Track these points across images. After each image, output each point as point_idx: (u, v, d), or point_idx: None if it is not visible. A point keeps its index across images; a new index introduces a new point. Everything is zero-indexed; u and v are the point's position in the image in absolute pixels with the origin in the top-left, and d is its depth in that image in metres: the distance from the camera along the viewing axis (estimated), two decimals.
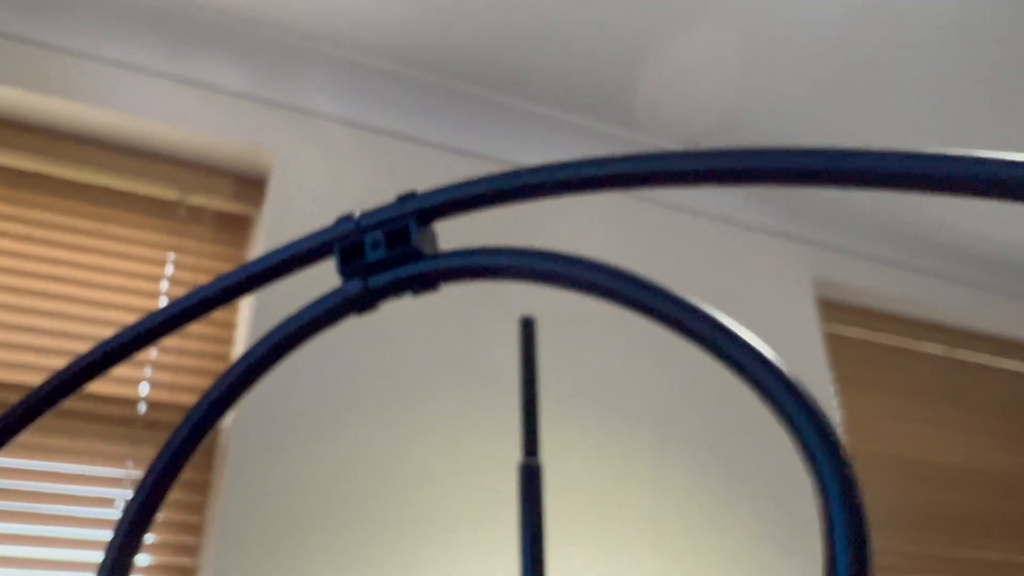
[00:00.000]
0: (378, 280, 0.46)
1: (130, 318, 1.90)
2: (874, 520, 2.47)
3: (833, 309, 2.79)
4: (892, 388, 2.79)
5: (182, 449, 0.49)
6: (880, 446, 2.64)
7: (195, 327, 1.94)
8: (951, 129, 2.46)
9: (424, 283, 0.46)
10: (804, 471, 2.34)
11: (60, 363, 1.81)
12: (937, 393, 2.87)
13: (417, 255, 0.46)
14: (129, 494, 1.76)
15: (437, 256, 0.46)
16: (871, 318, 2.88)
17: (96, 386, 1.82)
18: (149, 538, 1.76)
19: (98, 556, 1.69)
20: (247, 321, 1.91)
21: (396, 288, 0.46)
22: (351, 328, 1.96)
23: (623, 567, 1.97)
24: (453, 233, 2.21)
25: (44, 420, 1.76)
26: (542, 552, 0.50)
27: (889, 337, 2.88)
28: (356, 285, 0.47)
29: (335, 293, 0.47)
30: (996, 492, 2.78)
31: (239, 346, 1.93)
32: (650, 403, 2.21)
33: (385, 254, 0.46)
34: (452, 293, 2.12)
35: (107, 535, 1.72)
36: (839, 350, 2.71)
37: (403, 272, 0.46)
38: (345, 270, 0.47)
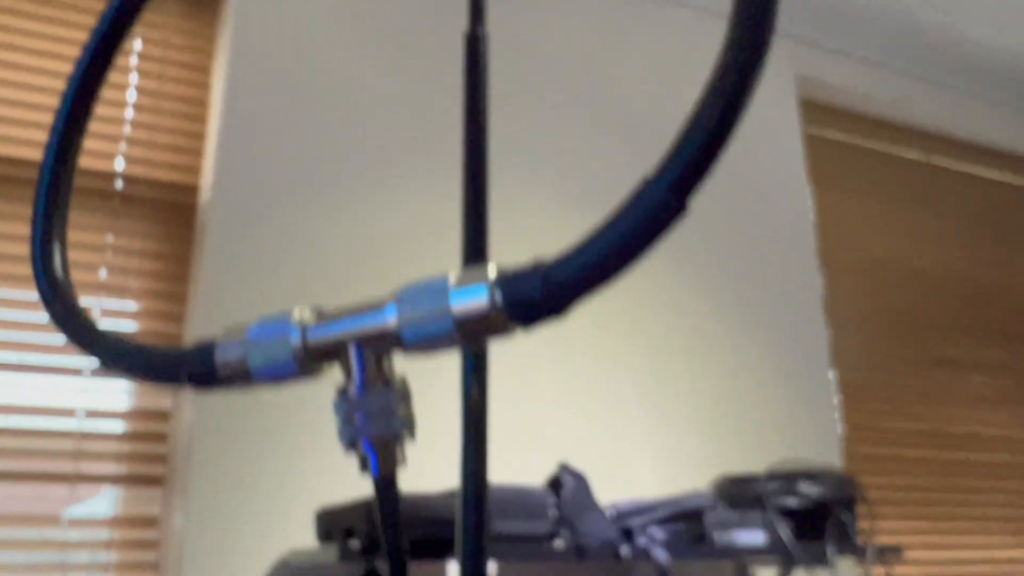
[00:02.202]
0: None
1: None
2: (845, 319, 2.57)
3: (815, 110, 2.77)
4: (868, 192, 2.83)
5: None
6: (853, 249, 2.71)
7: (168, 104, 1.92)
8: None
9: None
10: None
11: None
12: (912, 198, 2.91)
13: None
14: (110, 264, 1.81)
15: None
16: (852, 120, 2.87)
17: None
18: (132, 305, 1.82)
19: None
20: (220, 99, 1.89)
21: None
22: (324, 111, 1.95)
23: (630, 385, 2.07)
24: None
25: (24, 191, 1.78)
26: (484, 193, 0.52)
27: (868, 140, 2.88)
28: None
29: None
30: (963, 295, 2.88)
31: (213, 123, 1.91)
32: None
33: None
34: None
35: (89, 302, 1.78)
36: (818, 151, 2.72)
37: None
38: None
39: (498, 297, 0.36)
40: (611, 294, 2.06)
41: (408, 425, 0.40)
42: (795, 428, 2.29)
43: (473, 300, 0.36)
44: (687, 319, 2.23)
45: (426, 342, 0.38)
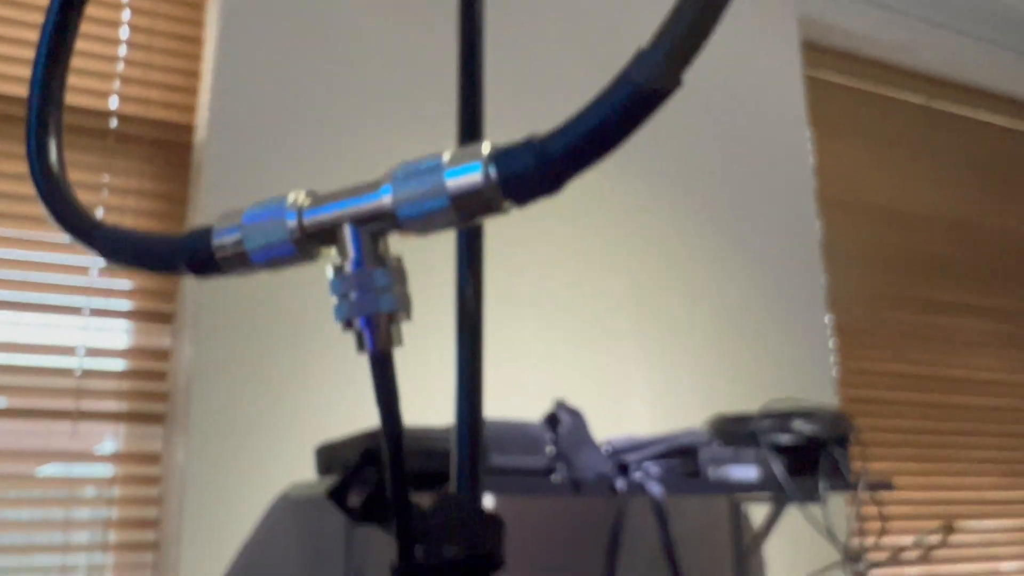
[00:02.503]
0: None
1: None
2: (842, 263, 2.58)
3: (816, 52, 2.74)
4: (868, 136, 2.81)
5: None
6: (852, 193, 2.70)
7: (161, 42, 1.90)
8: None
9: None
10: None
11: None
12: (913, 143, 2.90)
13: None
14: (107, 204, 1.81)
15: None
16: (854, 63, 2.84)
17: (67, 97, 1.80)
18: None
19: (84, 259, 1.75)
20: (214, 37, 1.86)
21: None
22: (320, 47, 1.92)
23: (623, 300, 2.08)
24: None
25: (21, 130, 1.77)
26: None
27: (870, 83, 2.86)
28: None
29: None
30: (962, 240, 2.89)
31: (207, 61, 1.89)
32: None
33: None
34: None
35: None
36: (819, 94, 2.70)
37: None
38: None
39: (492, 173, 0.36)
40: (607, 234, 2.08)
41: (404, 304, 0.41)
42: (790, 371, 2.31)
43: (467, 176, 0.37)
44: (684, 260, 2.24)
45: (421, 220, 0.38)
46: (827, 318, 2.44)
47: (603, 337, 2.07)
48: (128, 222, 1.81)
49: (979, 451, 2.71)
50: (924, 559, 2.45)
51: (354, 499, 0.44)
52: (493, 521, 0.41)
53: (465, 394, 0.53)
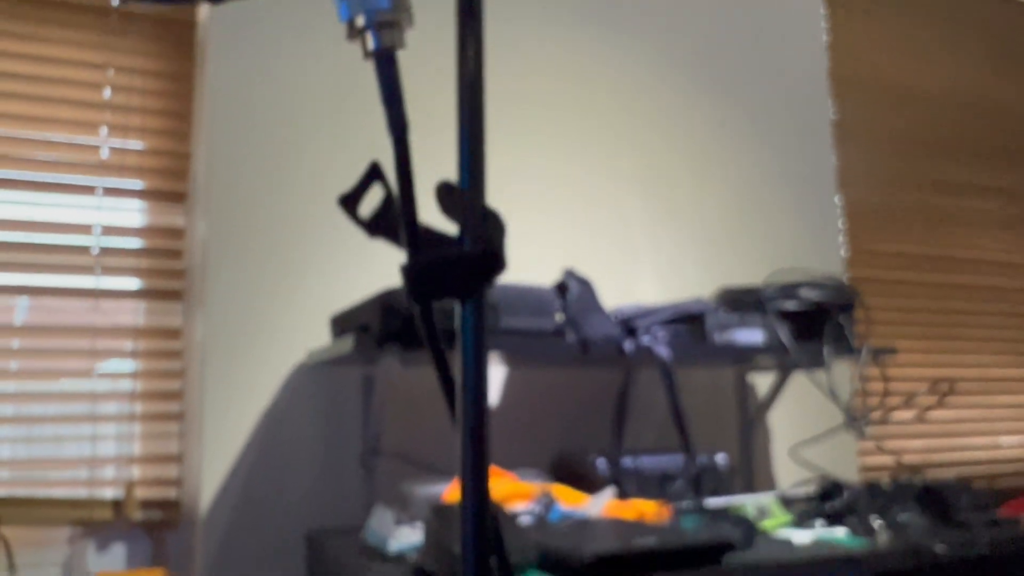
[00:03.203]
0: None
1: None
2: (853, 141, 2.55)
3: None
4: (883, 12, 2.75)
5: None
6: (866, 70, 2.65)
7: None
8: None
9: None
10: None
11: None
12: (928, 20, 2.83)
13: None
14: (113, 83, 1.81)
15: None
16: None
17: None
18: (138, 122, 1.83)
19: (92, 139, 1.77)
20: None
21: None
22: None
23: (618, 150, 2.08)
24: None
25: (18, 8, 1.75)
26: None
27: None
28: None
29: None
30: (976, 119, 2.85)
31: None
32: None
33: None
34: None
35: (94, 121, 1.79)
36: None
37: None
38: None
39: None
40: (619, 107, 2.07)
41: (404, 7, 0.42)
42: (799, 251, 2.32)
43: None
44: (695, 135, 2.23)
45: None
46: (836, 198, 2.44)
47: (611, 213, 2.09)
48: (135, 102, 1.81)
49: (983, 330, 2.74)
50: (923, 418, 2.51)
51: (364, 210, 0.46)
52: (496, 218, 0.43)
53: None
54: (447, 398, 0.47)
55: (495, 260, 0.42)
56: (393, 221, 0.44)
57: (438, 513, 1.10)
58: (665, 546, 1.12)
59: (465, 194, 0.42)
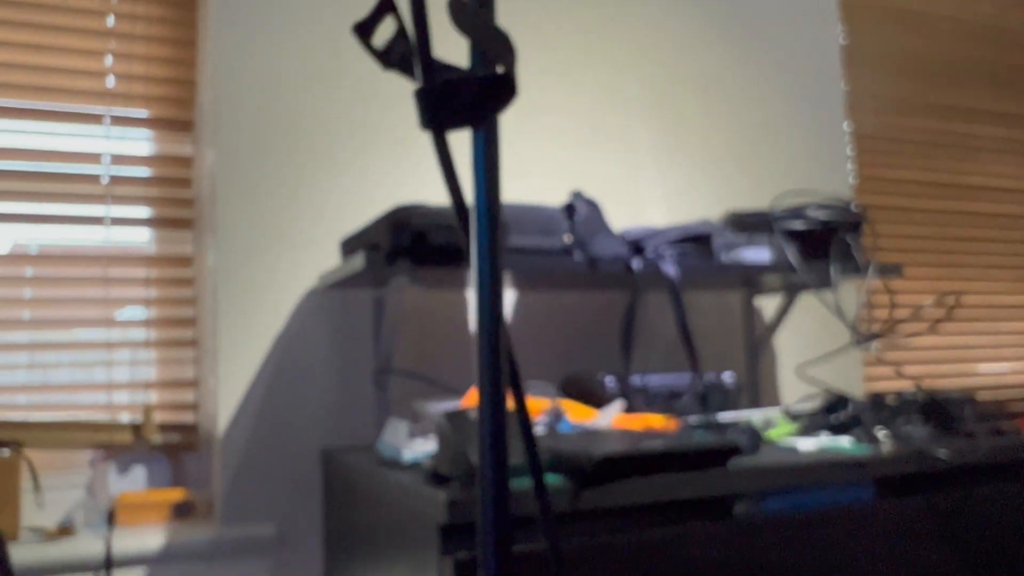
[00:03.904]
0: None
1: None
2: (862, 67, 2.52)
3: None
4: None
5: None
6: None
7: None
8: None
9: None
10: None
11: None
12: None
13: None
14: (116, 11, 1.79)
15: None
16: None
17: None
18: (142, 49, 1.82)
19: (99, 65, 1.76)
20: None
21: None
22: None
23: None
24: None
25: None
26: None
27: None
28: None
29: None
30: (983, 44, 2.81)
31: None
32: None
33: None
34: None
35: (97, 48, 1.78)
36: None
37: None
38: None
39: None
40: (625, 33, 2.05)
41: None
42: (807, 177, 2.31)
43: None
44: (700, 59, 2.21)
45: None
46: (845, 124, 2.42)
47: (618, 137, 2.08)
48: (138, 50, 1.80)
49: (991, 256, 2.74)
50: (932, 329, 2.53)
51: (378, 41, 0.46)
52: (507, 40, 0.44)
53: None
54: (459, 219, 0.47)
55: (507, 83, 0.42)
56: (406, 52, 0.45)
57: (452, 419, 1.12)
58: (672, 449, 1.15)
59: (477, 9, 0.42)
